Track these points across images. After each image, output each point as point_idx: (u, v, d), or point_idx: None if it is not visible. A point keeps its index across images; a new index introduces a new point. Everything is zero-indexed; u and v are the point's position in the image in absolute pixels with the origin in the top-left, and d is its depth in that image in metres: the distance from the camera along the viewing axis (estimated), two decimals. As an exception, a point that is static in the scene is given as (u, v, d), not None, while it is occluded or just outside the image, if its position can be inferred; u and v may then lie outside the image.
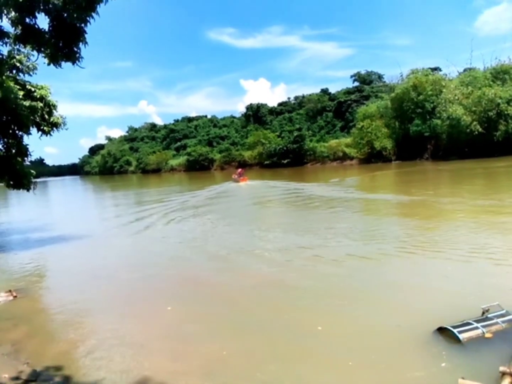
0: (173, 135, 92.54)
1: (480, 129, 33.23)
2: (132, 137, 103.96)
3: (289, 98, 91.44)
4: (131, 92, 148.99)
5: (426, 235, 9.85)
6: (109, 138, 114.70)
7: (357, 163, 46.46)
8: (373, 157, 43.94)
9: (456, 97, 36.32)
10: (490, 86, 34.98)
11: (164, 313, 6.16)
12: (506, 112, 32.88)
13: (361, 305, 5.81)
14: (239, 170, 37.91)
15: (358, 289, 6.53)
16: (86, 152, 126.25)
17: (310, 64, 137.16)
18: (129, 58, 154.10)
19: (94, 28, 3.40)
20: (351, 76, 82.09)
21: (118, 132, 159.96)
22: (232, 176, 36.67)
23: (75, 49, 3.54)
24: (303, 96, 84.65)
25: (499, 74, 37.14)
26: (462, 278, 6.63)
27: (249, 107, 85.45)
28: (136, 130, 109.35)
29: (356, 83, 79.54)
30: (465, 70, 45.98)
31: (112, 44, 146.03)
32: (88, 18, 3.35)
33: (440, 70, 54.23)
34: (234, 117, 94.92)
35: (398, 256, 8.18)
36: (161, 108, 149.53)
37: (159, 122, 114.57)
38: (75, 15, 3.29)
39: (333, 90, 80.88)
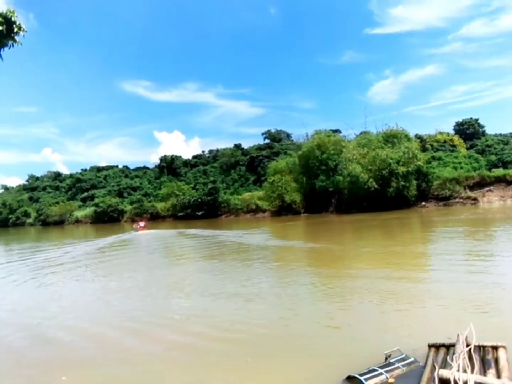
0: (80, 185, 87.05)
1: (375, 186, 36.80)
2: (33, 187, 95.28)
3: (203, 152, 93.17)
4: (34, 139, 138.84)
5: (334, 283, 10.40)
6: (5, 187, 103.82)
7: (269, 215, 48.02)
8: (283, 210, 45.80)
9: (355, 157, 40.15)
10: (382, 148, 39.39)
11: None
12: (396, 171, 36.97)
13: (269, 362, 5.83)
14: (141, 222, 41.37)
15: (266, 347, 6.53)
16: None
17: (224, 120, 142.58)
18: (35, 103, 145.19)
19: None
20: (262, 134, 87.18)
21: (16, 181, 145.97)
22: (133, 226, 40.16)
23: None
24: (217, 150, 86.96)
25: (389, 138, 41.95)
26: (364, 324, 7.06)
27: (163, 159, 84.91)
28: (37, 179, 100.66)
29: (267, 140, 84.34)
30: (361, 133, 51.39)
31: (17, 88, 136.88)
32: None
33: (340, 132, 60.35)
34: (147, 168, 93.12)
35: (306, 309, 8.46)
36: (68, 157, 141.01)
37: (65, 171, 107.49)
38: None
39: (245, 145, 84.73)
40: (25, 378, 5.89)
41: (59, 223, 71.87)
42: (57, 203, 77.75)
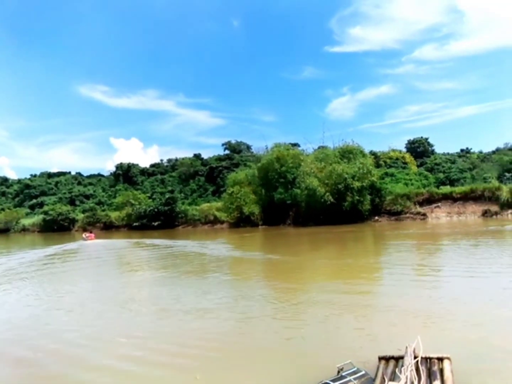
0: (28, 192, 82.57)
1: (332, 199, 37.67)
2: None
3: (162, 160, 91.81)
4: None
5: (287, 296, 10.49)
6: None
7: (227, 227, 47.78)
8: (242, 222, 45.70)
9: (312, 170, 40.98)
10: (338, 163, 40.49)
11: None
12: (351, 186, 38.01)
13: (220, 377, 5.80)
14: (90, 233, 41.60)
15: (217, 363, 6.49)
16: None
17: (184, 129, 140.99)
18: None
19: None
20: (223, 144, 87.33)
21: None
22: (82, 235, 40.52)
23: None
24: (176, 159, 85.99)
25: (345, 153, 43.16)
26: (317, 337, 7.16)
27: (119, 166, 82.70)
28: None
29: (227, 151, 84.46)
30: (319, 147, 52.51)
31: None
32: None
33: (299, 145, 61.50)
34: (102, 176, 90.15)
35: (260, 323, 8.45)
36: (17, 161, 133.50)
37: (13, 176, 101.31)
38: None
39: (205, 155, 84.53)
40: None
41: (4, 231, 67.41)
42: (3, 209, 73.10)
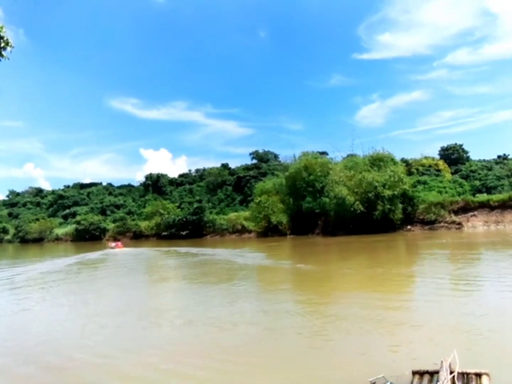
0: (62, 202, 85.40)
1: (362, 208, 37.03)
2: (13, 202, 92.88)
3: (190, 170, 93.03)
4: (17, 154, 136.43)
5: (319, 307, 10.26)
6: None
7: (255, 236, 47.72)
8: (269, 231, 45.58)
9: (341, 179, 40.42)
10: (368, 171, 39.84)
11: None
12: (382, 194, 37.30)
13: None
14: (117, 241, 44.28)
15: (246, 374, 6.37)
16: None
17: (212, 139, 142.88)
18: (21, 118, 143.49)
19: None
20: (250, 154, 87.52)
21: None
22: (108, 245, 42.32)
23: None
24: (204, 169, 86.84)
25: (375, 161, 42.45)
26: (349, 351, 6.93)
27: (149, 177, 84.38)
28: (18, 194, 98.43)
29: (254, 161, 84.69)
30: (348, 155, 51.86)
31: (3, 102, 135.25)
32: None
33: (327, 154, 60.89)
34: (132, 186, 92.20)
35: (289, 335, 8.28)
36: (51, 172, 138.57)
37: (47, 187, 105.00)
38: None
39: (233, 165, 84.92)
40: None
41: (39, 240, 69.97)
42: (37, 219, 75.87)
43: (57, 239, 69.81)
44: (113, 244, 41.64)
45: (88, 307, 12.15)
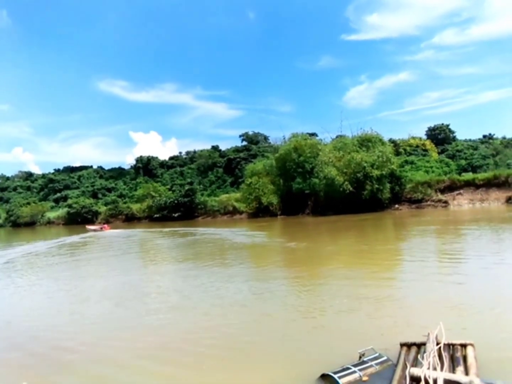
0: (53, 186, 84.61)
1: (351, 188, 37.40)
2: (3, 187, 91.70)
3: (180, 153, 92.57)
4: (5, 138, 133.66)
5: (309, 284, 10.55)
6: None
7: (246, 217, 48.00)
8: (260, 212, 45.87)
9: (330, 160, 40.66)
10: (357, 152, 40.04)
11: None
12: (370, 174, 37.62)
13: (244, 364, 5.92)
14: (104, 225, 45.73)
15: (240, 348, 6.65)
16: None
17: (201, 122, 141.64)
18: (7, 101, 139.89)
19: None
20: (240, 136, 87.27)
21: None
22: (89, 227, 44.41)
23: None
24: (195, 152, 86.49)
25: (364, 142, 42.64)
26: (338, 324, 7.21)
27: (139, 159, 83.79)
28: (8, 179, 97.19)
29: (244, 143, 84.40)
30: (337, 136, 52.04)
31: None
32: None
33: (317, 135, 61.04)
34: (122, 169, 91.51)
35: (281, 312, 8.53)
36: (41, 157, 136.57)
37: (37, 171, 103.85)
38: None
39: (223, 147, 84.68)
40: None
41: (31, 224, 69.54)
42: (29, 203, 75.20)
43: (49, 222, 69.39)
44: (92, 227, 43.69)
45: (70, 292, 12.30)
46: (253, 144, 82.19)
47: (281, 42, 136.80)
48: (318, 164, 41.88)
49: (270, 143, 74.52)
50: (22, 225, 69.63)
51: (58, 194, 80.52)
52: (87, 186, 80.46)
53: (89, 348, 6.88)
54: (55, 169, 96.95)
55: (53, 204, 77.84)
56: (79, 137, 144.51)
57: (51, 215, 71.03)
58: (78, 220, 63.63)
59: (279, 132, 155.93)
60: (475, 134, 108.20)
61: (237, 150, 79.45)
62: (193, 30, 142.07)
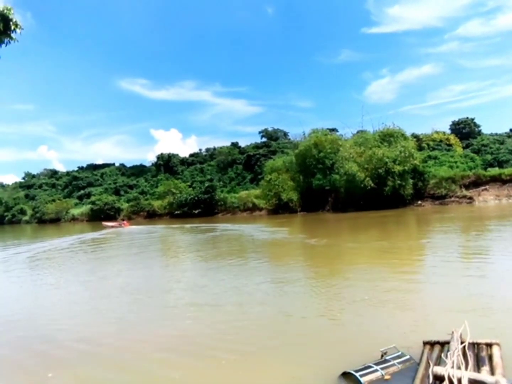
0: (76, 183, 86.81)
1: (372, 184, 36.90)
2: (29, 184, 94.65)
3: (200, 150, 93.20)
4: (31, 137, 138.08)
5: (332, 281, 10.46)
6: (1, 185, 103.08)
7: (266, 214, 48.04)
8: (280, 208, 45.78)
9: (351, 155, 40.18)
10: (378, 147, 39.45)
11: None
12: (392, 170, 37.03)
13: (267, 358, 5.92)
14: (123, 221, 47.54)
15: (263, 344, 6.66)
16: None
17: (221, 119, 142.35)
18: (31, 101, 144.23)
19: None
20: (259, 132, 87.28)
21: (12, 178, 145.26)
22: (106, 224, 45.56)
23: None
24: (214, 149, 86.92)
25: (386, 137, 41.96)
26: (360, 322, 7.11)
27: (160, 157, 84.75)
28: (33, 176, 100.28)
29: (264, 139, 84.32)
30: (357, 132, 51.41)
31: (14, 86, 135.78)
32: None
33: (337, 131, 60.37)
34: (144, 166, 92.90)
35: (302, 309, 8.50)
36: (64, 154, 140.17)
37: (61, 168, 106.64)
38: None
39: (242, 144, 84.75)
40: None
41: (55, 220, 71.70)
42: (53, 200, 77.46)
43: (73, 219, 71.32)
44: (110, 224, 45.10)
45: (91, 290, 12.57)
46: (273, 140, 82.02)
47: (300, 36, 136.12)
48: (338, 160, 41.47)
49: (289, 139, 74.32)
50: (47, 222, 71.91)
51: (82, 191, 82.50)
52: (110, 183, 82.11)
53: (112, 341, 7.01)
54: (78, 167, 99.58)
55: (77, 201, 79.84)
56: (101, 135, 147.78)
57: (75, 211, 72.97)
58: (101, 216, 65.04)
59: (299, 128, 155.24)
60: (501, 128, 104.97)
61: (256, 146, 79.43)
62: (211, 26, 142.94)
